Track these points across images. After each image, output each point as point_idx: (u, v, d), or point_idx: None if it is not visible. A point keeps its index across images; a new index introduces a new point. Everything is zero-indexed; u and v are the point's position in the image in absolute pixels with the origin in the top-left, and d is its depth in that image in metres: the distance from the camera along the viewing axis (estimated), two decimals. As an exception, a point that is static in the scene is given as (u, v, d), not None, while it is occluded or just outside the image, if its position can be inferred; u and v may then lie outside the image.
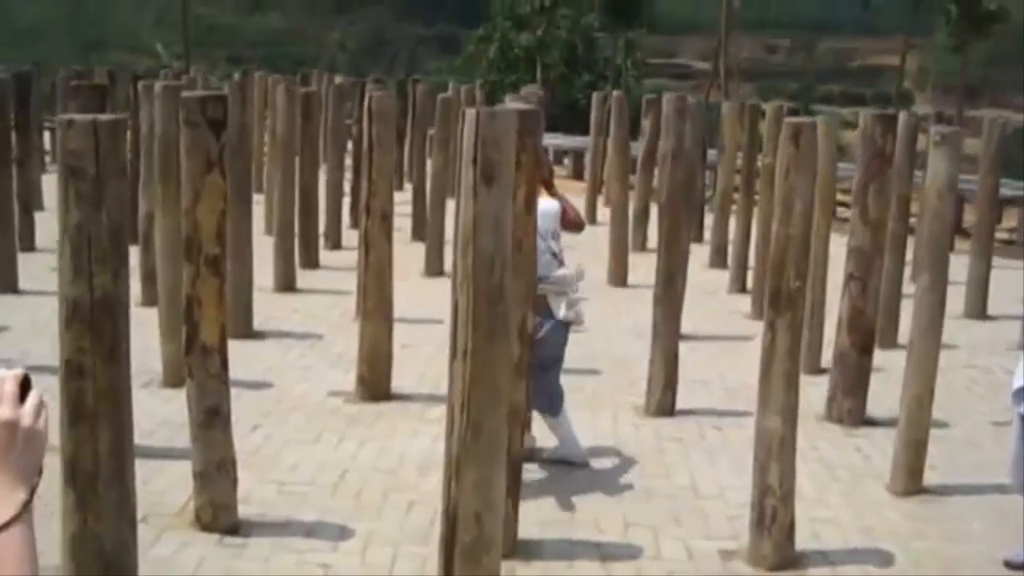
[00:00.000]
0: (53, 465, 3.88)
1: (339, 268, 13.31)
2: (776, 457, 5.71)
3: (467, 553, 4.18)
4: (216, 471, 5.85)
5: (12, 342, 9.66)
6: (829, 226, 10.22)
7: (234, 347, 9.85)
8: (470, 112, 4.00)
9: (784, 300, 5.59)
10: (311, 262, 14.09)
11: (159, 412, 7.73)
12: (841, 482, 7.16)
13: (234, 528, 5.94)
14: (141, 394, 8.23)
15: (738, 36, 37.56)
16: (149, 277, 10.08)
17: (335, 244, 15.14)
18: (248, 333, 10.26)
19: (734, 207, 14.71)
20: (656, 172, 16.01)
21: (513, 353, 5.44)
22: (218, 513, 5.87)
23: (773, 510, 5.77)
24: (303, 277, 13.25)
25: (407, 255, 13.33)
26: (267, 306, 11.46)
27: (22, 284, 11.53)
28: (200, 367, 5.75)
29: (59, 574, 3.79)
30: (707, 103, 26.17)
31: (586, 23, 38.98)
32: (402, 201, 20.24)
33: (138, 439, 7.41)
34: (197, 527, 5.94)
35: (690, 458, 7.46)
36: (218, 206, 5.62)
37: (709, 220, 16.77)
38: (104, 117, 3.47)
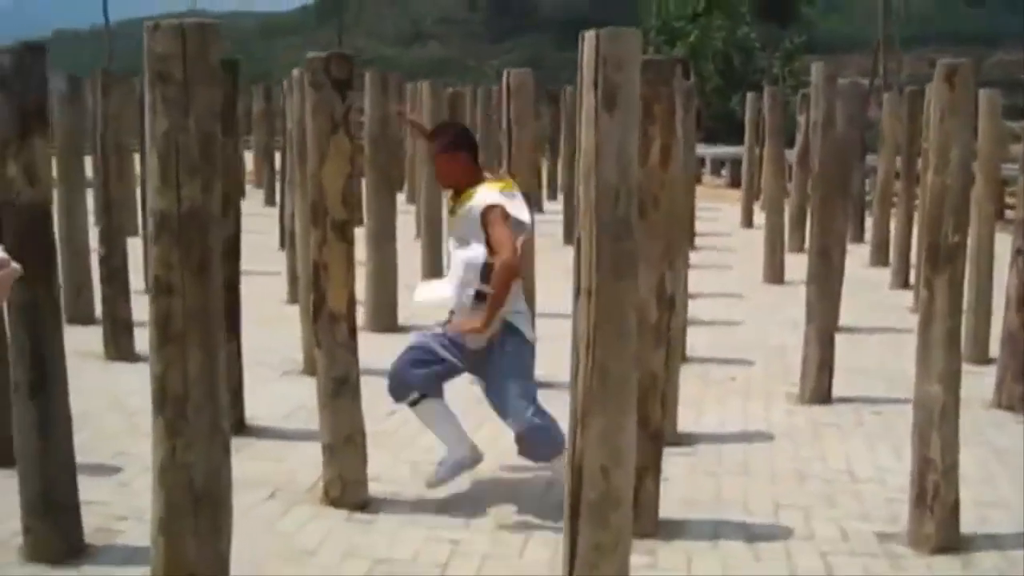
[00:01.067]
0: (146, 389, 3.75)
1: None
2: (937, 427, 5.28)
3: (593, 511, 3.88)
4: (344, 444, 5.67)
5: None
6: (995, 215, 9.65)
7: (377, 340, 9.85)
8: (589, 33, 3.73)
9: (942, 256, 5.17)
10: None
11: (296, 396, 7.62)
12: (1011, 467, 6.64)
13: (363, 504, 5.75)
14: (281, 381, 8.21)
15: (897, 53, 36.54)
16: (295, 276, 10.03)
17: (485, 247, 15.00)
18: (391, 327, 10.15)
19: (895, 199, 14.13)
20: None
21: (649, 310, 5.15)
22: (347, 488, 5.69)
23: (935, 486, 5.33)
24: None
25: (560, 258, 13.11)
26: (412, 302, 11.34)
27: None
28: (328, 335, 5.59)
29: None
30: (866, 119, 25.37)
31: (742, 34, 38.40)
32: (553, 211, 20.27)
33: (275, 421, 7.45)
34: (326, 502, 5.77)
35: (847, 443, 7.03)
36: (344, 169, 5.46)
37: (870, 223, 16.21)
38: (192, 20, 3.32)
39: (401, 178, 22.73)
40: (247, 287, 12.24)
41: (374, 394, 7.88)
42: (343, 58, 5.42)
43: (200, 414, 3.44)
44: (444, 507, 5.80)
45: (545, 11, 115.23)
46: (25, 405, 4.87)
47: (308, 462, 6.14)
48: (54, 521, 4.93)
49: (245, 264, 13.76)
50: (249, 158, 25.53)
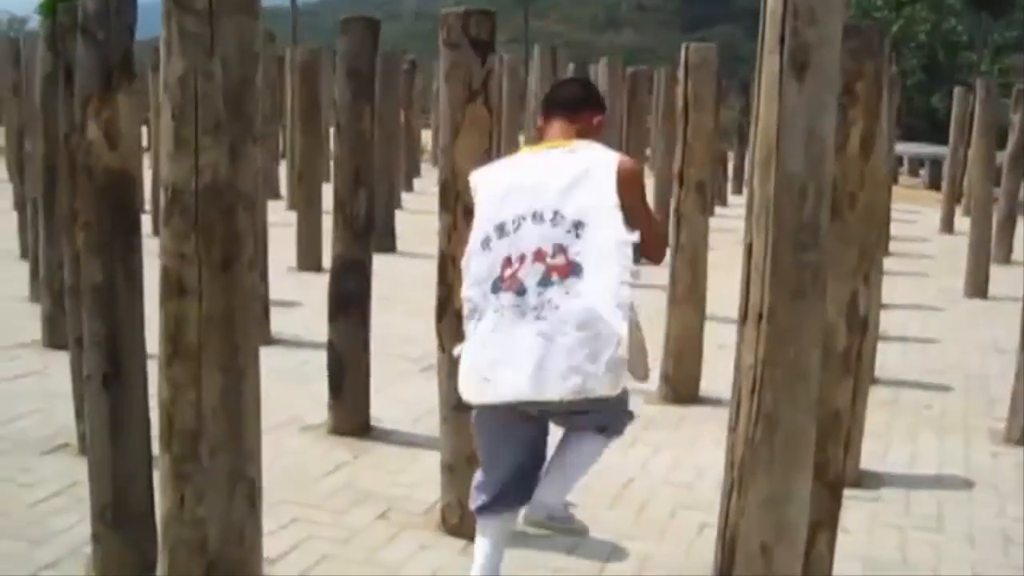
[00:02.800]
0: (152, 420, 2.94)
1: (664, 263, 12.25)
2: None
3: (749, 598, 2.99)
4: (467, 465, 4.86)
5: (301, 318, 9.11)
6: None
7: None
8: (774, -18, 2.83)
9: None
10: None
11: (433, 397, 6.87)
12: None
13: (484, 536, 4.94)
14: (420, 378, 7.47)
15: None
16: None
17: (660, 240, 14.09)
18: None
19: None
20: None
21: (837, 335, 4.20)
22: (467, 515, 4.86)
23: None
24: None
25: (740, 256, 12.13)
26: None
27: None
28: (453, 337, 4.77)
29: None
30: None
31: (948, 27, 36.35)
32: (739, 204, 19.18)
33: (405, 425, 6.73)
34: (443, 529, 4.99)
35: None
36: (482, 144, 4.65)
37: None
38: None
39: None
40: (401, 270, 11.77)
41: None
42: (484, 15, 4.60)
43: (217, 456, 2.65)
44: (578, 546, 4.95)
45: (741, 1, 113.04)
46: (97, 398, 4.20)
47: (431, 478, 5.36)
48: (125, 531, 4.25)
49: (404, 244, 13.35)
50: (428, 135, 25.12)
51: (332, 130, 7.49)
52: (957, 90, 18.81)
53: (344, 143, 6.29)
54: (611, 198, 3.71)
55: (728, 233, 14.67)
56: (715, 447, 6.22)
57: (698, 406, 7.27)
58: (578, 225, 3.68)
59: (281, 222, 12.07)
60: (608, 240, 3.66)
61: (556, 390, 3.60)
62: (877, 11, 34.64)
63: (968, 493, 5.95)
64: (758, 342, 2.90)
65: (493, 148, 4.78)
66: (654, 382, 7.45)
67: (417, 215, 15.67)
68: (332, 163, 7.09)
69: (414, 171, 21.21)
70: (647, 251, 3.84)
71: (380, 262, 7.09)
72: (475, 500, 4.07)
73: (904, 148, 27.00)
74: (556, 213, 3.70)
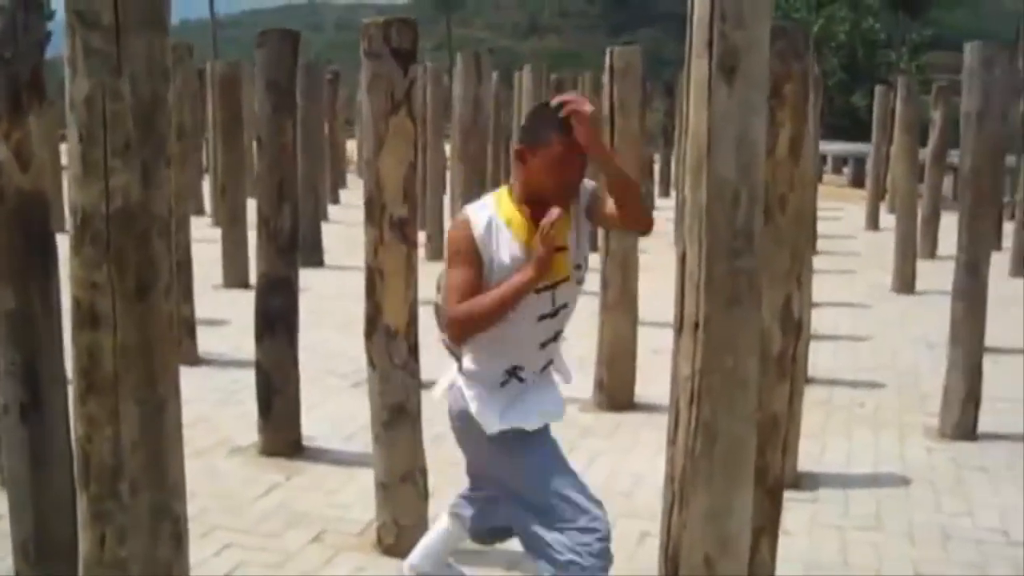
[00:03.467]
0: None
1: (593, 269, 12.23)
2: None
3: (693, 612, 2.93)
4: (401, 483, 4.78)
5: (230, 336, 8.95)
6: None
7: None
8: (702, -22, 2.77)
9: None
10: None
11: (365, 413, 6.76)
12: None
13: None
14: (351, 394, 7.35)
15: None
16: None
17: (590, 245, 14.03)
18: (480, 333, 9.25)
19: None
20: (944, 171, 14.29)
21: (772, 339, 4.16)
22: (402, 534, 4.79)
23: (1126, 565, 4.27)
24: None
25: (671, 258, 12.13)
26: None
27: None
28: (383, 354, 4.70)
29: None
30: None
31: (867, 27, 36.79)
32: (666, 207, 19.23)
33: (336, 443, 6.61)
34: (378, 550, 4.88)
35: (999, 493, 5.94)
36: (406, 156, 4.56)
37: (1008, 228, 14.93)
38: (135, -62, 2.40)
39: (507, 172, 21.92)
40: (331, 283, 11.65)
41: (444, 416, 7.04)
42: (406, 24, 4.51)
43: (139, 493, 2.52)
44: (518, 562, 4.87)
45: (665, 4, 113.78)
46: (15, 430, 4.03)
47: (365, 496, 5.25)
48: (48, 567, 4.09)
49: (332, 257, 13.21)
50: (353, 146, 24.96)
51: (255, 144, 7.36)
52: (878, 88, 19.03)
53: (265, 157, 6.16)
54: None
55: (657, 237, 14.71)
56: (653, 454, 6.18)
57: (634, 412, 7.22)
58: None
59: (206, 238, 11.89)
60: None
61: None
62: (796, 12, 34.97)
63: (905, 490, 5.95)
64: (695, 352, 2.84)
65: (418, 159, 4.70)
66: (588, 390, 7.40)
67: (344, 227, 15.53)
68: (255, 177, 6.96)
69: (340, 183, 21.05)
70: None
71: (307, 276, 6.99)
72: None
73: (827, 147, 27.26)
74: None
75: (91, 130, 2.39)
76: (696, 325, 2.84)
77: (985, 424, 6.92)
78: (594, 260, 10.36)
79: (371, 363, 4.76)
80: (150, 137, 2.42)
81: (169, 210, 2.48)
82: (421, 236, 7.60)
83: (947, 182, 16.72)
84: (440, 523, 4.24)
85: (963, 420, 6.80)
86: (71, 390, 2.64)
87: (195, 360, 8.01)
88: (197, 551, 3.96)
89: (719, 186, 2.78)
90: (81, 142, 2.40)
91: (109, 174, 2.39)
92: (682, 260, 2.89)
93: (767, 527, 4.36)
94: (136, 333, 2.48)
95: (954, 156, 15.10)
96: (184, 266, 8.15)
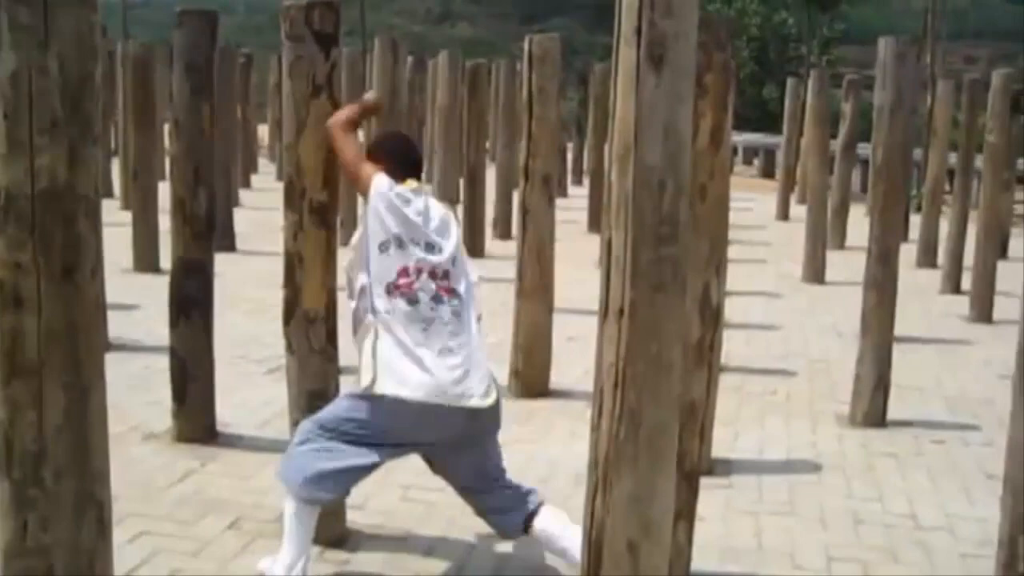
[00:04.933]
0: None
1: (510, 258, 12.26)
2: (1037, 480, 4.31)
3: (615, 597, 2.95)
4: (319, 469, 4.74)
5: (141, 321, 8.82)
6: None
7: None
8: (630, -34, 2.78)
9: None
10: (476, 250, 13.07)
11: (280, 399, 6.68)
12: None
13: (339, 540, 4.84)
14: (265, 380, 7.28)
15: (940, 45, 35.46)
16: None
17: (504, 233, 14.05)
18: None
19: (947, 197, 13.14)
20: (853, 163, 14.51)
21: (691, 327, 4.20)
22: (320, 521, 4.75)
23: (1030, 550, 4.37)
24: (465, 265, 12.21)
25: (585, 246, 12.19)
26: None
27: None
28: (301, 339, 4.66)
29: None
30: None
31: (778, 20, 37.24)
32: (579, 195, 19.29)
33: (251, 429, 6.55)
34: (296, 537, 4.84)
35: (907, 478, 6.07)
36: (326, 141, 4.52)
37: (915, 220, 15.21)
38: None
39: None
40: (241, 269, 11.51)
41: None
42: (328, 6, 4.47)
43: (63, 479, 2.48)
44: (434, 548, 4.88)
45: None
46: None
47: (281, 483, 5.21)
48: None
49: (244, 242, 13.06)
50: (264, 130, 24.70)
51: (167, 127, 7.24)
52: (790, 81, 19.28)
53: (182, 140, 6.07)
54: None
55: (571, 224, 14.75)
56: (568, 440, 6.22)
57: (549, 399, 7.25)
58: (454, 260, 4.29)
59: (115, 222, 11.69)
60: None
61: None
62: (710, 4, 35.24)
63: (817, 476, 6.05)
64: (619, 338, 2.86)
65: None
66: (503, 377, 7.41)
67: (256, 212, 15.37)
68: (168, 161, 6.84)
69: (252, 167, 20.82)
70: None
71: (220, 261, 6.90)
72: None
73: (738, 138, 27.57)
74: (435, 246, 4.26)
75: (16, 107, 2.34)
76: (621, 311, 2.86)
77: (894, 411, 7.06)
78: (509, 248, 10.44)
79: (289, 348, 4.73)
80: (77, 116, 2.38)
81: (96, 190, 2.43)
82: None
83: (855, 175, 16.99)
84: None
85: (873, 408, 6.92)
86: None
87: (106, 346, 7.86)
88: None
89: (646, 174, 2.80)
90: (6, 119, 2.35)
91: (35, 153, 2.35)
92: (608, 247, 2.90)
93: (684, 512, 4.42)
94: (61, 316, 2.43)
95: (862, 149, 15.39)
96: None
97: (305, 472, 4.15)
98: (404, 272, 4.15)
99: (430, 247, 4.24)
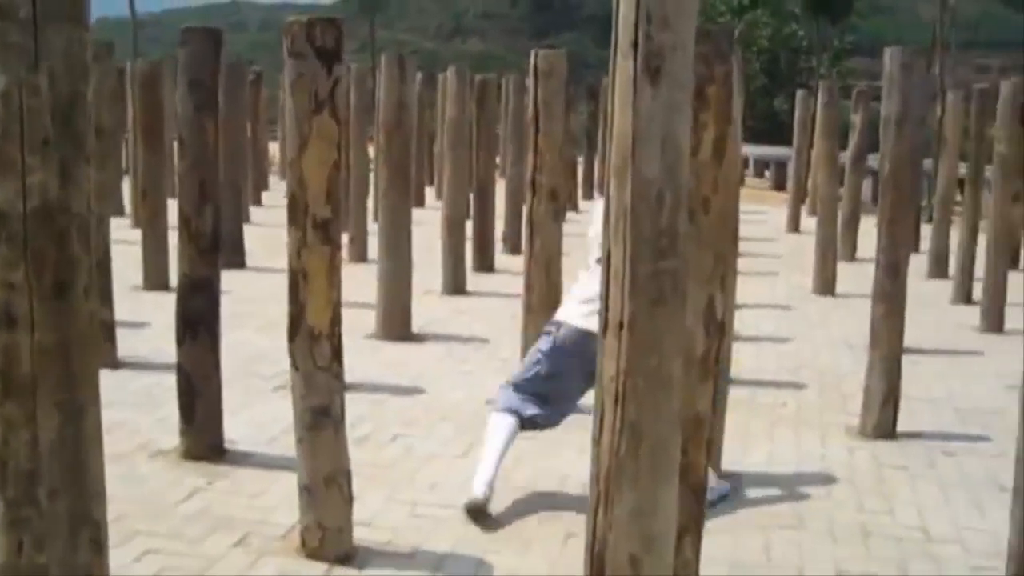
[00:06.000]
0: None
1: (519, 272, 12.27)
2: (1048, 492, 4.28)
3: (619, 611, 2.93)
4: (325, 486, 4.75)
5: (150, 338, 8.83)
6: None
7: (386, 349, 8.95)
8: (627, -21, 2.78)
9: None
10: (486, 265, 13.08)
11: (288, 416, 6.70)
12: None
13: (346, 557, 4.81)
14: (273, 397, 7.28)
15: (950, 55, 35.57)
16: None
17: (514, 248, 14.04)
18: (404, 335, 9.23)
19: (958, 208, 13.10)
20: (864, 175, 14.48)
21: (695, 340, 4.18)
22: (327, 537, 4.76)
23: (1042, 565, 4.34)
24: (476, 281, 12.23)
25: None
26: (430, 307, 10.45)
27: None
28: (306, 356, 4.66)
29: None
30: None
31: (788, 32, 37.26)
32: (588, 209, 19.30)
33: (259, 446, 6.54)
34: (302, 553, 4.84)
35: (918, 491, 6.03)
36: (329, 156, 4.53)
37: (926, 231, 15.18)
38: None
39: (431, 174, 21.88)
40: (251, 286, 11.52)
41: (377, 414, 7.00)
42: (330, 23, 4.48)
43: (57, 499, 2.48)
44: (442, 564, 4.86)
45: (587, 8, 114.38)
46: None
47: (289, 499, 5.21)
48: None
49: (253, 259, 13.08)
50: (275, 148, 24.76)
51: (176, 144, 7.26)
52: (800, 93, 19.25)
53: (187, 157, 6.08)
54: None
55: (580, 238, 14.75)
56: (577, 455, 6.19)
57: (558, 414, 7.21)
58: None
59: (126, 239, 11.73)
60: None
61: None
62: (720, 16, 35.29)
63: (827, 489, 6.02)
64: (620, 352, 2.85)
65: (342, 160, 4.66)
66: (513, 391, 7.40)
67: (266, 229, 15.40)
68: (176, 178, 6.86)
69: (262, 184, 20.86)
70: None
71: (229, 278, 6.91)
72: None
73: (749, 150, 27.56)
74: None
75: (7, 126, 2.34)
76: (621, 325, 2.85)
77: (904, 423, 7.03)
78: (517, 262, 10.44)
79: (294, 365, 4.72)
80: (68, 133, 2.38)
81: (89, 208, 2.43)
82: (344, 238, 7.57)
83: (866, 186, 16.95)
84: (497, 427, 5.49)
85: (883, 420, 6.89)
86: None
87: (115, 363, 7.88)
88: (117, 557, 3.90)
89: (644, 186, 2.79)
90: (-2, 135, 2.35)
91: (26, 171, 2.35)
92: (607, 260, 2.90)
93: (691, 527, 4.38)
94: (54, 334, 2.43)
95: (872, 160, 15.36)
96: (103, 268, 8.01)
97: None
98: None
99: None
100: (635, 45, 2.74)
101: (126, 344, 8.34)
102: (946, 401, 7.97)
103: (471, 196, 13.38)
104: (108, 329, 7.98)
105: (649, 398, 2.83)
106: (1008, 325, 10.52)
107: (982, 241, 11.46)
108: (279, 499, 5.46)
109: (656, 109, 2.77)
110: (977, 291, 11.45)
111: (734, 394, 7.28)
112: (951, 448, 6.81)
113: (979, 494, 5.99)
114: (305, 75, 4.49)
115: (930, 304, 11.50)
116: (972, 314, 11.09)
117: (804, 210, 19.18)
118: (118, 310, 8.36)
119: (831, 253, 12.67)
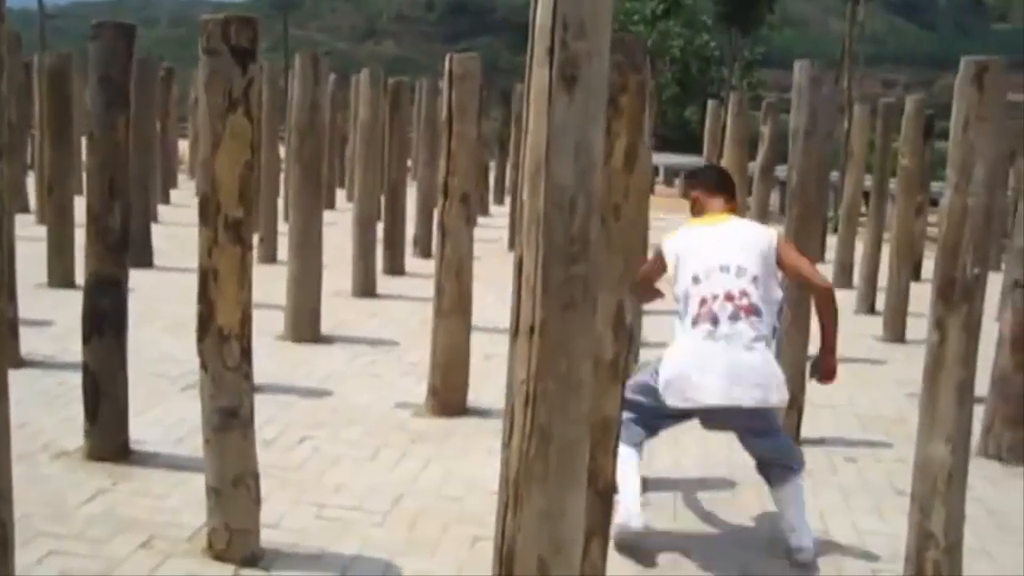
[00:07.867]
0: None
1: (430, 276, 12.26)
2: (942, 496, 4.41)
3: (526, 612, 2.96)
4: (233, 488, 4.72)
5: (55, 337, 8.69)
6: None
7: (295, 351, 8.91)
8: (546, -13, 2.81)
9: (959, 292, 4.31)
10: (396, 268, 13.06)
11: (195, 416, 6.64)
12: (1007, 530, 5.81)
13: (253, 559, 4.78)
14: (180, 397, 7.21)
15: (852, 70, 36.35)
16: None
17: (425, 251, 14.05)
18: (314, 337, 9.21)
19: (863, 219, 13.37)
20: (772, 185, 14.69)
21: (604, 345, 4.22)
22: (234, 539, 4.73)
23: (936, 566, 4.47)
24: (386, 283, 12.21)
25: (506, 264, 12.21)
26: (340, 310, 10.42)
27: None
28: (215, 357, 4.62)
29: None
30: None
31: (700, 42, 37.70)
32: (501, 213, 19.38)
33: (166, 447, 6.48)
34: (209, 555, 4.80)
35: (820, 496, 6.14)
36: (242, 156, 4.50)
37: (831, 241, 15.44)
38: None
39: (342, 176, 21.79)
40: (159, 285, 11.40)
41: (286, 416, 6.97)
42: (246, 21, 4.45)
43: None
44: (349, 566, 4.85)
45: (501, 13, 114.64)
46: None
47: (195, 501, 5.17)
48: None
49: (161, 258, 12.93)
50: (185, 145, 24.50)
51: (84, 140, 7.15)
52: (710, 103, 19.43)
53: (97, 154, 6.00)
54: (774, 265, 5.24)
55: (491, 243, 14.81)
56: (485, 459, 6.23)
57: (466, 418, 7.25)
58: (755, 279, 5.12)
59: (30, 236, 11.52)
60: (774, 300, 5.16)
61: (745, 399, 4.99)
62: (633, 25, 35.58)
63: (732, 493, 6.11)
64: (530, 356, 2.88)
65: (255, 159, 4.64)
66: (421, 395, 7.42)
67: (175, 227, 15.25)
68: (84, 174, 6.76)
69: (171, 183, 20.63)
70: (819, 298, 5.32)
71: (136, 277, 6.84)
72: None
73: (660, 159, 27.83)
74: (739, 267, 5.15)
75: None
76: (532, 329, 2.88)
77: (808, 430, 7.15)
78: (428, 265, 10.43)
79: (203, 366, 4.69)
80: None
81: (2, 204, 2.40)
82: (255, 238, 7.51)
83: (774, 196, 17.21)
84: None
85: (786, 426, 6.98)
86: None
87: (18, 362, 7.74)
88: (19, 558, 3.84)
89: (557, 193, 2.82)
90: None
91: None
92: (519, 265, 2.92)
93: (597, 530, 4.43)
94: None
95: (780, 171, 15.61)
96: (7, 264, 7.87)
97: None
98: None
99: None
100: (551, 52, 2.77)
101: (29, 342, 8.20)
102: (848, 408, 8.13)
103: (382, 199, 13.37)
104: (11, 327, 7.83)
105: (559, 401, 2.86)
106: (910, 335, 10.76)
107: (886, 252, 11.71)
108: (186, 500, 5.41)
109: (570, 117, 2.80)
110: (880, 301, 11.69)
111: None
112: (853, 454, 6.95)
113: (879, 499, 6.13)
114: (220, 73, 4.46)
115: (834, 313, 11.69)
116: (875, 324, 11.33)
117: (713, 219, 19.40)
118: (21, 307, 8.21)
119: (739, 262, 12.83)
